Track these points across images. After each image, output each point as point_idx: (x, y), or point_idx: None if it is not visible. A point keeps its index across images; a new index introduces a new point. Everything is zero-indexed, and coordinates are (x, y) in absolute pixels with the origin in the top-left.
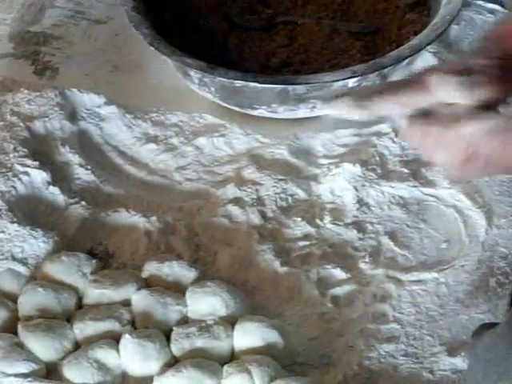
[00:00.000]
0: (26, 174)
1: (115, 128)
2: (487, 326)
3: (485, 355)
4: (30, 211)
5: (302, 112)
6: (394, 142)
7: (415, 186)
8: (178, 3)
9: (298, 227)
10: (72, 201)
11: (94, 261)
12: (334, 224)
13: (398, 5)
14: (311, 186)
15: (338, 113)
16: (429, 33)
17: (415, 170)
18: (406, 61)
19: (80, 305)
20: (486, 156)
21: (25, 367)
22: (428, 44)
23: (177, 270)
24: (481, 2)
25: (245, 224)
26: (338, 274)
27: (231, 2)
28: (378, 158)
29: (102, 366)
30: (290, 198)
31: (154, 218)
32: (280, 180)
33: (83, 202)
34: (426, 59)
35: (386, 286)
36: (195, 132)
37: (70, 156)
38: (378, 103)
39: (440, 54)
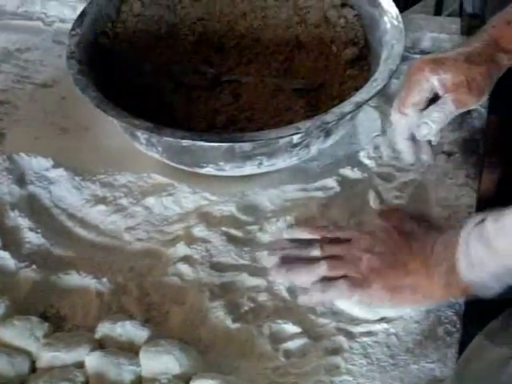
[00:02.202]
0: None
1: (64, 191)
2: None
3: None
4: None
5: (249, 169)
6: (338, 194)
7: None
8: (124, 65)
9: (249, 283)
10: (22, 265)
11: (47, 324)
12: None
13: (338, 61)
14: (260, 241)
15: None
16: (369, 88)
17: (360, 221)
18: (349, 116)
19: (34, 369)
20: None
21: None
22: (369, 99)
23: (129, 330)
24: (418, 56)
25: (195, 282)
26: (290, 328)
27: (176, 62)
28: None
29: None
30: (239, 255)
31: (105, 279)
32: (229, 237)
33: (34, 266)
34: (367, 113)
35: (338, 338)
36: (144, 192)
37: (20, 220)
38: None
39: (381, 107)
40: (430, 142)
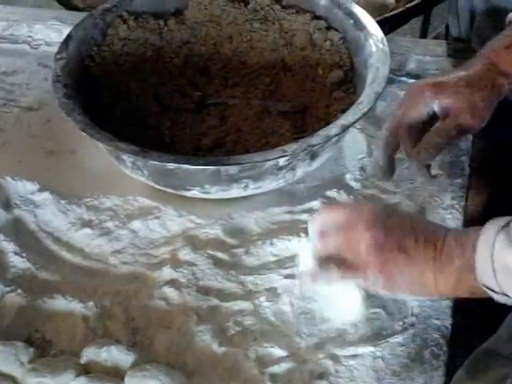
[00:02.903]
0: None
1: (50, 214)
2: None
3: None
4: None
5: (235, 192)
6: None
7: None
8: (110, 89)
9: (235, 306)
10: (8, 289)
11: (32, 349)
12: (270, 302)
13: (324, 84)
14: (247, 264)
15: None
16: (355, 111)
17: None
18: (335, 139)
19: None
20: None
21: None
22: (355, 122)
23: (115, 355)
24: (404, 79)
25: (181, 305)
26: (276, 352)
27: (162, 85)
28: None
29: None
30: (226, 278)
31: (90, 303)
32: (215, 260)
33: (19, 290)
34: (353, 136)
35: (324, 361)
36: (130, 215)
37: (5, 244)
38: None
39: (367, 130)
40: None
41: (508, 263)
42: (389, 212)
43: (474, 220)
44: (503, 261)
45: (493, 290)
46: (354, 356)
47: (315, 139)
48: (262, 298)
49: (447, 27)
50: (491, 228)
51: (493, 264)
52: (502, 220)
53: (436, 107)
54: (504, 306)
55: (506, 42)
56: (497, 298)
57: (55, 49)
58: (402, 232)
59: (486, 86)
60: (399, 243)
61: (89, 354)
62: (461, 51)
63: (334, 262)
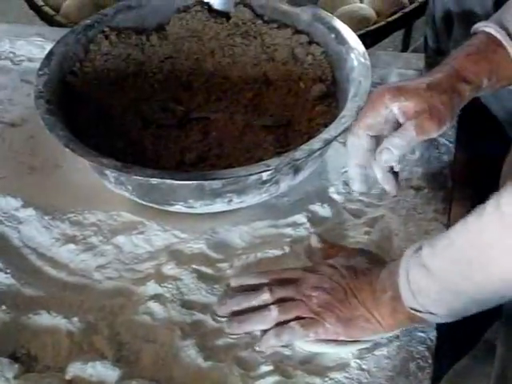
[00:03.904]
0: None
1: (33, 230)
2: None
3: None
4: None
5: (219, 206)
6: (309, 232)
7: None
8: (93, 104)
9: (220, 321)
10: None
11: (17, 365)
12: None
13: (306, 98)
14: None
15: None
16: (338, 125)
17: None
18: (318, 153)
19: None
20: None
21: None
22: (337, 136)
23: (100, 370)
24: None
25: (166, 320)
26: (262, 366)
27: (144, 100)
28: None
29: None
30: (210, 292)
31: (75, 319)
32: (200, 274)
33: (3, 307)
34: (336, 149)
35: (309, 375)
36: (114, 230)
37: None
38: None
39: None
40: (396, 173)
41: (419, 284)
42: (331, 267)
43: None
44: (415, 282)
45: (419, 311)
46: (340, 369)
47: (298, 153)
48: None
49: (426, 39)
50: (408, 253)
51: (410, 286)
52: (417, 244)
53: (396, 110)
54: (488, 316)
55: (467, 50)
56: (426, 317)
57: (37, 65)
58: (345, 281)
59: (445, 91)
60: (346, 292)
61: (74, 369)
62: (439, 63)
63: (293, 322)
